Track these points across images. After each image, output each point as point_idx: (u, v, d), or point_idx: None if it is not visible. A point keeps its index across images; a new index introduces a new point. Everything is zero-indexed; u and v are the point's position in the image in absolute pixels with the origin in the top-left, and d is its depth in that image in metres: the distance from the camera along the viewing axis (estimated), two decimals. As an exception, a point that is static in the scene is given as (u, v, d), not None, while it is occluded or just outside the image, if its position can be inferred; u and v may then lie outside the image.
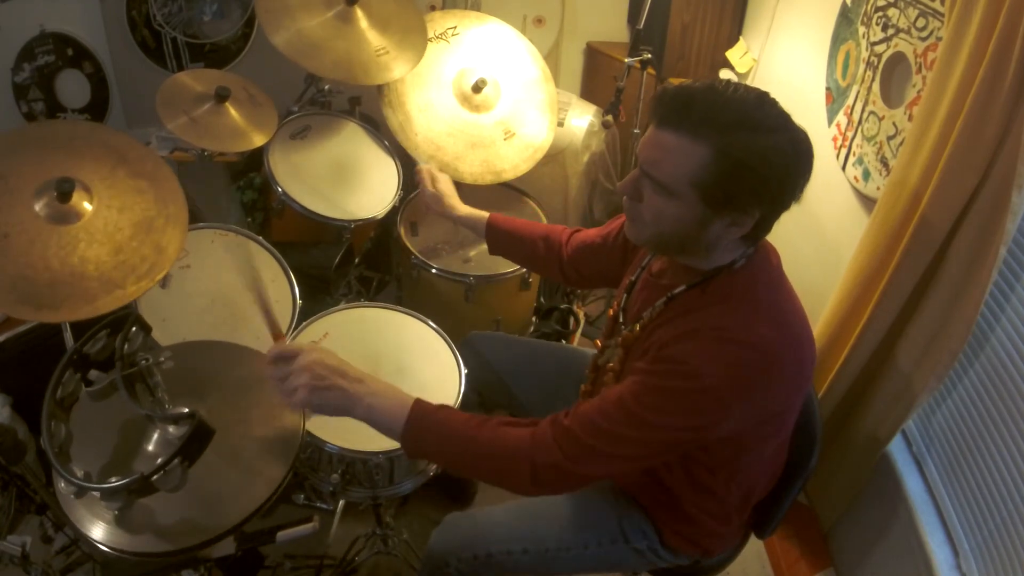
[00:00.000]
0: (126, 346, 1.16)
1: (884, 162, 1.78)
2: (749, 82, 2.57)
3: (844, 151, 1.96)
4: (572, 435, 1.10)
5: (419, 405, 1.15)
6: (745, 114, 1.03)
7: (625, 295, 1.36)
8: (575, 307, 2.38)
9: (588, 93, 3.00)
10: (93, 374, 1.17)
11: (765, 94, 1.07)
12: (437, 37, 2.19)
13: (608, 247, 1.49)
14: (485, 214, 1.70)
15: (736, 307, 1.12)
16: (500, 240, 1.68)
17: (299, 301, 1.78)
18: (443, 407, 1.17)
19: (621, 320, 1.34)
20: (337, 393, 1.11)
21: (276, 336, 1.16)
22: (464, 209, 1.74)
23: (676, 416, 1.08)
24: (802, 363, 1.14)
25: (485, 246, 2.14)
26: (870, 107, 1.85)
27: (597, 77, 2.96)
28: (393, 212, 2.11)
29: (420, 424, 1.13)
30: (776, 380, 1.09)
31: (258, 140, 1.89)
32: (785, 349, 1.10)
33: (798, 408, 1.23)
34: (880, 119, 1.80)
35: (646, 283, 1.30)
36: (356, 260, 2.14)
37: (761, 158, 1.01)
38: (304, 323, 1.71)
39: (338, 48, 1.95)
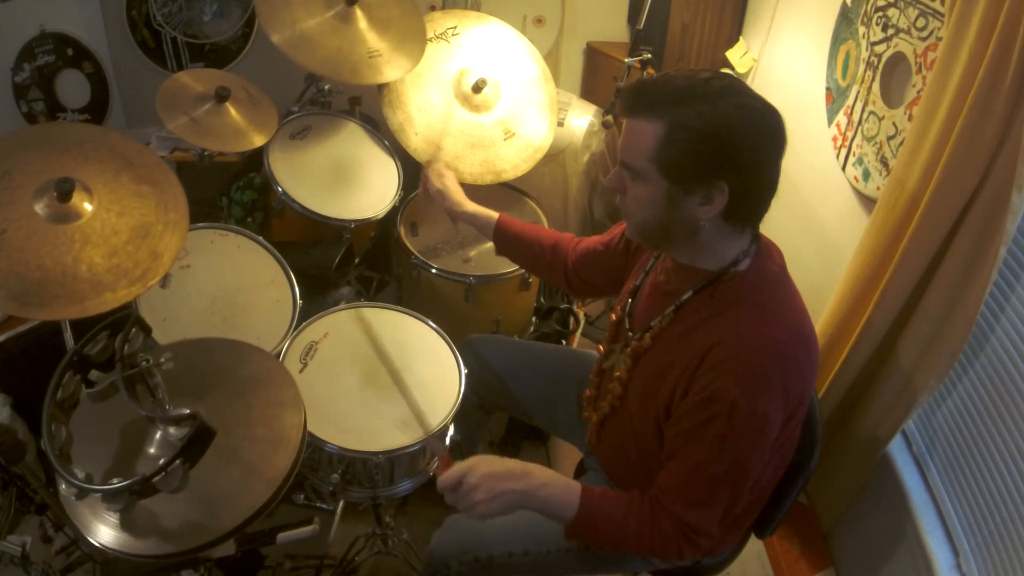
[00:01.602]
0: (126, 347, 1.16)
1: (884, 162, 1.78)
2: (749, 82, 2.57)
3: (844, 151, 1.96)
4: (692, 525, 1.15)
5: (587, 493, 1.19)
6: (693, 86, 1.05)
7: (629, 300, 1.36)
8: (575, 307, 2.38)
9: (588, 93, 3.00)
10: (93, 375, 1.17)
11: (721, 72, 1.10)
12: (437, 37, 2.19)
13: (611, 252, 1.50)
14: (494, 214, 1.68)
15: (746, 312, 1.13)
16: (508, 242, 1.66)
17: (299, 301, 1.78)
18: (605, 491, 1.21)
19: (627, 326, 1.34)
20: (511, 496, 1.16)
21: (444, 462, 1.23)
22: (471, 206, 1.72)
23: (744, 450, 1.12)
24: (811, 360, 1.16)
25: (485, 246, 2.14)
26: (870, 107, 1.85)
27: (597, 77, 2.96)
28: (393, 212, 2.11)
29: (588, 514, 1.18)
30: (792, 377, 1.11)
31: (258, 140, 1.89)
32: (797, 348, 1.12)
33: (807, 408, 1.24)
34: (880, 119, 1.80)
35: (652, 289, 1.30)
36: (356, 260, 2.14)
37: (709, 124, 1.03)
38: (304, 323, 1.71)
39: (330, 45, 1.95)
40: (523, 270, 2.06)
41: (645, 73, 2.45)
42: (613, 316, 1.40)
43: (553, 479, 1.19)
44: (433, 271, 2.03)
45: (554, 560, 1.36)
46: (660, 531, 1.16)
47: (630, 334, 1.31)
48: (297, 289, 1.79)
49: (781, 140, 1.08)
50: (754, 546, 1.99)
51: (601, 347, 1.43)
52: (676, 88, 1.06)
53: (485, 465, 1.17)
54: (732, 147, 1.04)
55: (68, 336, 1.49)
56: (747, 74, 2.60)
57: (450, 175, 1.80)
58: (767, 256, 1.19)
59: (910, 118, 1.68)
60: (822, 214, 2.11)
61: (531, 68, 2.27)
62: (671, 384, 1.17)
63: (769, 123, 1.07)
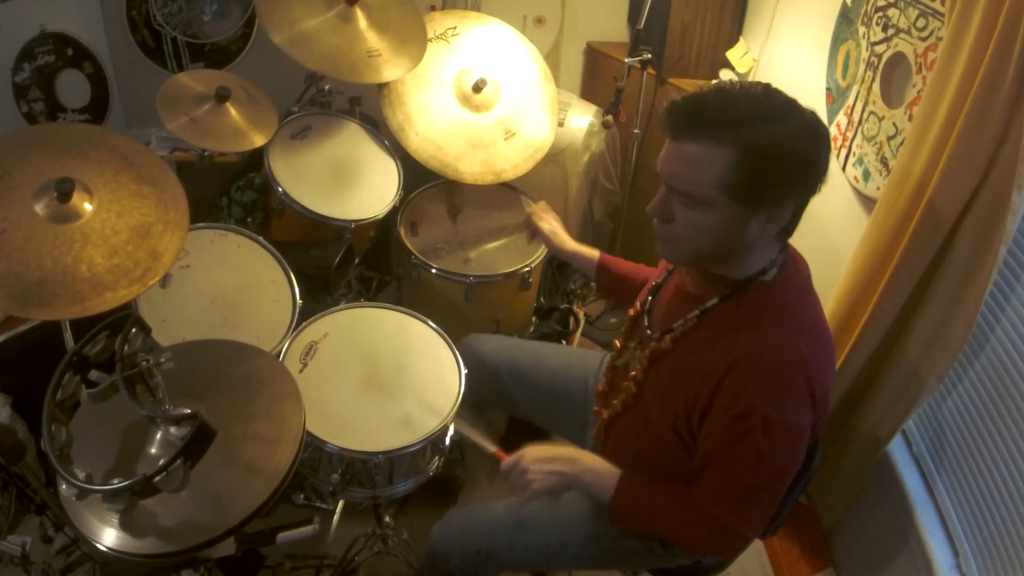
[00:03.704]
0: (126, 347, 1.16)
1: (884, 162, 1.78)
2: (749, 82, 2.57)
3: (844, 151, 1.96)
4: (731, 528, 1.17)
5: (626, 478, 1.26)
6: (757, 107, 1.03)
7: (649, 297, 1.36)
8: (575, 307, 2.38)
9: (588, 93, 3.00)
10: (93, 375, 1.17)
11: (768, 85, 1.08)
12: (437, 37, 2.19)
13: None
14: (594, 252, 1.68)
15: (772, 324, 1.13)
16: (611, 281, 1.66)
17: (299, 301, 1.78)
18: (648, 480, 1.26)
19: (646, 323, 1.34)
20: (558, 478, 1.26)
21: (499, 455, 1.36)
22: (573, 245, 1.72)
23: (780, 461, 1.15)
24: (832, 366, 1.18)
25: (485, 246, 2.15)
26: (870, 107, 1.85)
27: (597, 77, 2.96)
28: (393, 212, 2.11)
29: (627, 494, 1.25)
30: (817, 385, 1.12)
31: (258, 140, 1.89)
32: (820, 358, 1.13)
33: (829, 409, 1.25)
34: (880, 119, 1.80)
35: (676, 291, 1.30)
36: (356, 260, 2.14)
37: (783, 146, 1.02)
38: (304, 323, 1.71)
39: (329, 42, 1.96)
40: (523, 270, 2.06)
41: (645, 73, 2.45)
42: (632, 311, 1.40)
43: (598, 465, 1.28)
44: (433, 271, 2.03)
45: (556, 554, 1.36)
46: (695, 527, 1.19)
47: (648, 332, 1.31)
48: (297, 289, 1.79)
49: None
50: (754, 546, 1.98)
51: (617, 342, 1.43)
52: (742, 109, 1.03)
53: (536, 451, 1.28)
54: (804, 166, 1.05)
55: (68, 336, 1.50)
56: (747, 74, 2.59)
57: (553, 217, 1.80)
58: (794, 267, 1.20)
59: (910, 118, 1.67)
60: (822, 214, 2.11)
61: (531, 68, 2.27)
62: (693, 391, 1.16)
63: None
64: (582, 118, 2.64)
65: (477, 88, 2.14)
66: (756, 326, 1.13)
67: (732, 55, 2.62)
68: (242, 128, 1.87)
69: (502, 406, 1.74)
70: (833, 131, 2.02)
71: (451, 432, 1.62)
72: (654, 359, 1.26)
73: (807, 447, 1.25)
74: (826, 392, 1.15)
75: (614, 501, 1.24)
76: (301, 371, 1.61)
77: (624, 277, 1.64)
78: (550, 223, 1.78)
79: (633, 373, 1.30)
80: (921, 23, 1.65)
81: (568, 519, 1.37)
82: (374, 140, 2.19)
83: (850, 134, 1.93)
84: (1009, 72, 1.29)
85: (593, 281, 1.70)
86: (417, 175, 2.20)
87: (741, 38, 2.65)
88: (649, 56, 2.33)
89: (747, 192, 1.04)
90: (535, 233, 1.78)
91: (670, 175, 1.09)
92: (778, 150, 1.02)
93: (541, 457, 1.27)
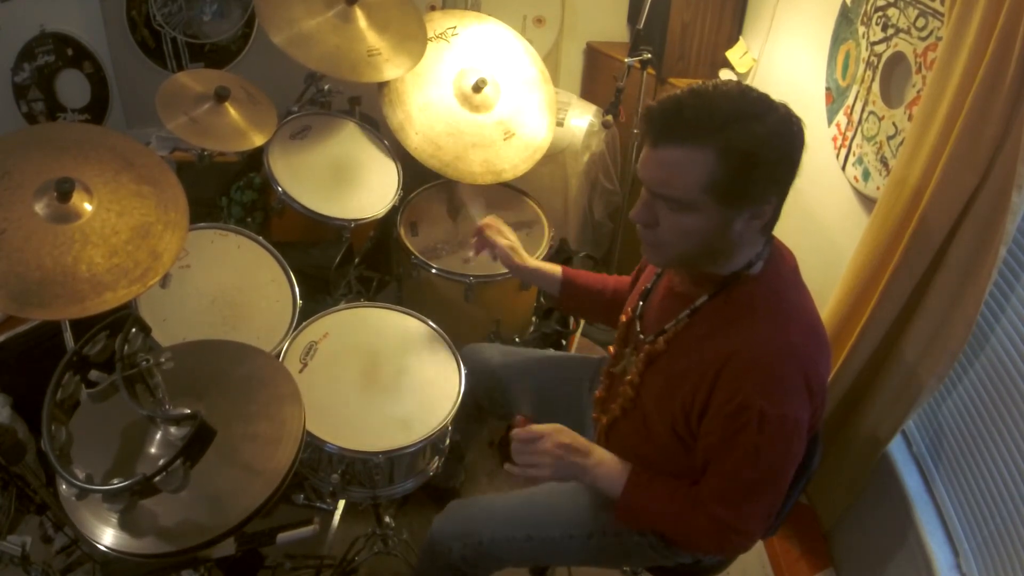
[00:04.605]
0: (126, 347, 1.16)
1: (884, 162, 1.78)
2: (749, 82, 2.57)
3: (844, 151, 1.95)
4: (731, 525, 1.17)
5: (636, 474, 1.26)
6: (735, 107, 1.04)
7: (640, 302, 1.36)
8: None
9: (588, 93, 3.00)
10: (93, 375, 1.17)
11: (740, 83, 1.09)
12: (437, 37, 2.19)
13: None
14: (556, 268, 1.60)
15: (763, 318, 1.13)
16: (578, 295, 1.60)
17: (299, 301, 1.78)
18: (655, 476, 1.26)
19: (638, 328, 1.34)
20: (572, 468, 1.26)
21: (522, 421, 1.33)
22: (534, 262, 1.62)
23: (778, 455, 1.14)
24: (825, 356, 1.17)
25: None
26: (870, 107, 1.85)
27: (597, 77, 2.96)
28: (393, 212, 2.11)
29: (637, 489, 1.25)
30: (812, 376, 1.12)
31: (258, 140, 1.89)
32: (812, 348, 1.13)
33: (826, 400, 1.25)
34: (880, 119, 1.80)
35: (666, 292, 1.30)
36: (356, 260, 2.14)
37: (763, 143, 1.03)
38: (304, 323, 1.71)
39: (329, 42, 1.96)
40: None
41: (645, 73, 2.45)
42: (624, 317, 1.40)
43: (608, 459, 1.28)
44: (433, 271, 2.03)
45: (556, 548, 1.37)
46: (696, 525, 1.19)
47: (641, 336, 1.31)
48: (297, 289, 1.79)
49: (804, 138, 1.09)
50: (754, 546, 1.99)
51: (611, 348, 1.43)
52: (721, 110, 1.03)
53: (562, 436, 1.27)
54: (784, 162, 1.06)
55: (68, 336, 1.50)
56: (747, 74, 2.59)
57: (509, 230, 1.66)
58: (780, 259, 1.20)
59: (910, 118, 1.68)
60: (822, 214, 2.11)
61: (530, 68, 2.27)
62: (689, 390, 1.17)
63: (800, 128, 1.08)
64: (582, 118, 2.64)
65: (477, 88, 2.14)
66: (747, 321, 1.14)
67: (732, 55, 2.62)
68: (242, 128, 1.87)
69: (502, 414, 1.73)
70: (833, 131, 2.02)
71: (451, 432, 1.62)
72: (649, 362, 1.27)
73: (806, 442, 1.26)
74: (822, 382, 1.15)
75: (624, 496, 1.24)
76: (301, 371, 1.61)
77: (590, 289, 1.59)
78: (508, 238, 1.63)
79: (629, 377, 1.30)
80: (921, 23, 1.65)
81: (572, 513, 1.38)
82: (374, 140, 2.19)
83: (850, 134, 1.93)
84: (1009, 72, 1.29)
85: (557, 300, 1.61)
86: (417, 175, 2.20)
87: (741, 38, 2.65)
88: (649, 56, 2.33)
89: (731, 192, 1.05)
90: (484, 248, 1.63)
91: (653, 181, 1.09)
92: (759, 148, 1.03)
93: (563, 444, 1.26)
